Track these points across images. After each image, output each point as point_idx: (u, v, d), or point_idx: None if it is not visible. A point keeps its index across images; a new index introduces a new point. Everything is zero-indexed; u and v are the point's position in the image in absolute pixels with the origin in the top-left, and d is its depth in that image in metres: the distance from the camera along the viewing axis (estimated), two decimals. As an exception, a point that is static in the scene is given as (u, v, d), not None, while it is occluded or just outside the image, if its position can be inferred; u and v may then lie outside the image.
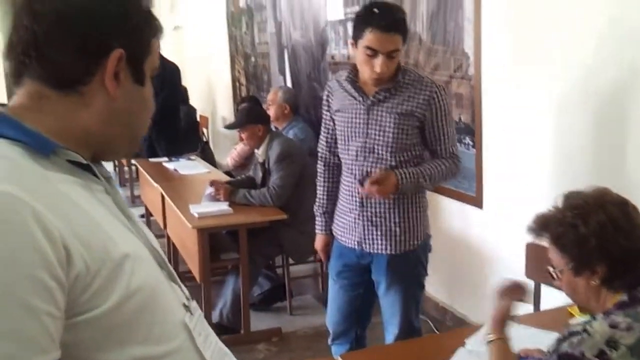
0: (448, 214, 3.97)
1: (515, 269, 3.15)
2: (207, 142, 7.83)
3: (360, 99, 2.71)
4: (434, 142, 2.72)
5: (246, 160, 5.26)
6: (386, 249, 2.75)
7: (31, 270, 0.88)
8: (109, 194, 1.11)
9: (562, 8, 2.97)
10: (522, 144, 3.34)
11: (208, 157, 7.04)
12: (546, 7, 3.07)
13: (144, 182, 5.79)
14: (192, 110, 7.62)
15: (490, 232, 3.66)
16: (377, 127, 2.68)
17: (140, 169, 5.81)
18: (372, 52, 2.56)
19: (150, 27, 1.12)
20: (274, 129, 4.69)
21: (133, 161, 7.43)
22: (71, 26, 1.03)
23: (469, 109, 3.66)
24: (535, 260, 2.81)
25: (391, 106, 2.66)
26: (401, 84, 2.66)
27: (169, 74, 7.22)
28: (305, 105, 5.76)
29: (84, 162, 1.06)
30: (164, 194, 4.55)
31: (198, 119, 7.75)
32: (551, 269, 1.81)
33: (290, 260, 4.54)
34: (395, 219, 2.73)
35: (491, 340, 1.84)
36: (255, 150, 4.38)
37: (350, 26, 4.98)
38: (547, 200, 3.08)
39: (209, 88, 8.86)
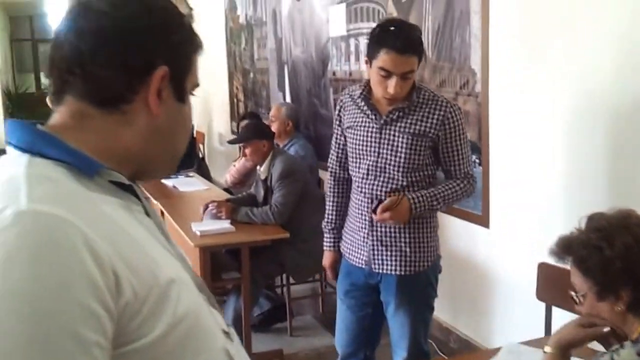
0: (453, 233, 3.91)
1: (525, 289, 3.10)
2: (203, 159, 7.76)
3: (373, 117, 2.65)
4: (449, 162, 2.66)
5: (244, 177, 5.19)
6: (396, 269, 2.68)
7: (81, 299, 0.83)
8: (148, 215, 1.07)
9: (572, 24, 2.94)
10: (530, 162, 3.29)
11: (204, 173, 6.97)
12: (556, 23, 3.03)
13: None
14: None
15: (497, 252, 3.60)
16: (389, 146, 2.62)
17: (139, 184, 5.72)
18: (386, 73, 2.50)
19: (192, 43, 1.09)
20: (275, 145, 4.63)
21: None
22: (116, 43, 1.00)
23: (476, 126, 3.61)
24: (547, 281, 2.74)
25: (404, 126, 2.60)
26: (415, 103, 2.60)
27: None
28: (305, 122, 5.71)
29: (127, 182, 1.03)
30: (163, 210, 4.47)
31: (194, 134, 7.69)
32: (573, 294, 1.75)
33: (291, 280, 4.46)
34: (405, 239, 2.66)
35: (550, 353, 1.76)
36: (258, 167, 4.32)
37: (353, 42, 5.00)
38: (556, 220, 3.09)
39: (205, 104, 8.81)
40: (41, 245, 0.83)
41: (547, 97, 3.13)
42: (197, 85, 1.13)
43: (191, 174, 6.00)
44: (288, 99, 6.13)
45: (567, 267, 1.77)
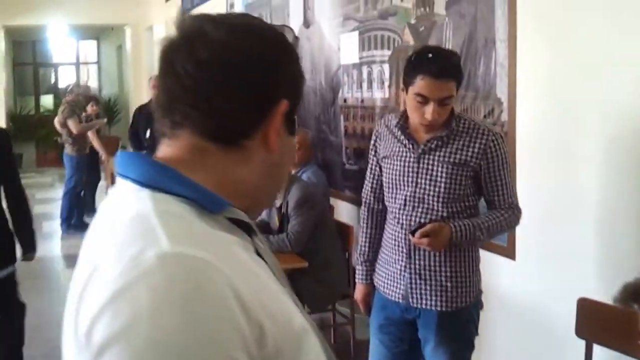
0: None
1: (560, 325, 3.01)
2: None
3: (411, 146, 2.57)
4: (491, 192, 2.57)
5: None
6: (436, 304, 2.58)
7: (229, 351, 0.77)
8: (259, 254, 0.99)
9: (605, 52, 2.89)
10: (558, 191, 3.22)
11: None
12: (589, 51, 2.98)
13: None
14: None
15: (524, 285, 3.50)
16: (428, 176, 2.54)
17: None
18: (423, 99, 2.43)
19: (302, 74, 1.04)
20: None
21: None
22: (241, 76, 0.94)
23: (501, 156, 3.54)
24: (588, 317, 2.66)
25: (444, 155, 2.52)
26: (455, 131, 2.53)
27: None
28: (313, 148, 5.64)
29: (247, 220, 0.97)
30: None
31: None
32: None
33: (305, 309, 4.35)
34: (446, 273, 2.57)
35: None
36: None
37: (365, 70, 4.95)
38: (588, 252, 3.01)
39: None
40: (189, 293, 0.78)
41: (577, 127, 3.07)
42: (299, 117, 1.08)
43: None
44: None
45: (610, 303, 1.71)
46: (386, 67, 4.67)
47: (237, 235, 0.94)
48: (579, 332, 2.67)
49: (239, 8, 7.26)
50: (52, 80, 18.03)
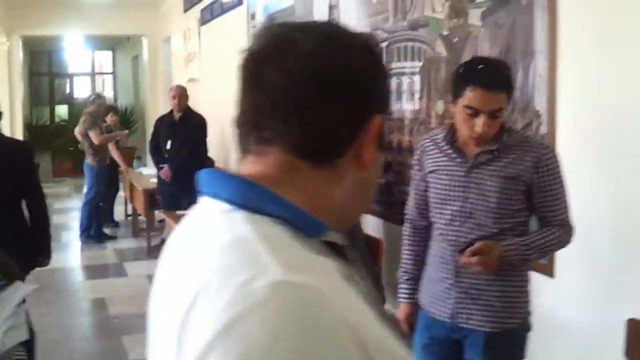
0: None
1: (608, 347, 2.91)
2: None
3: (460, 160, 2.49)
4: (543, 208, 2.48)
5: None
6: (484, 325, 2.48)
7: None
8: (349, 279, 0.91)
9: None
10: (601, 207, 3.12)
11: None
12: (635, 63, 2.88)
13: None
14: (211, 162, 7.46)
15: (565, 305, 3.40)
16: (478, 191, 2.45)
17: (171, 222, 5.57)
18: (473, 111, 2.36)
19: (390, 85, 0.98)
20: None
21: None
22: (337, 89, 0.87)
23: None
24: (639, 339, 2.57)
25: (495, 169, 2.43)
26: (506, 145, 2.44)
27: (197, 126, 7.05)
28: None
29: (343, 243, 0.90)
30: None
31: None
32: None
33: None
34: (495, 292, 2.48)
35: None
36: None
37: (395, 82, 4.86)
38: (633, 272, 2.91)
39: (222, 139, 8.68)
40: (305, 327, 0.72)
41: (622, 142, 2.98)
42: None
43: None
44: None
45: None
46: (416, 78, 4.60)
47: (333, 260, 0.86)
48: (629, 354, 2.58)
49: (260, 18, 7.21)
50: (67, 91, 18.08)
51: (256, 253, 0.77)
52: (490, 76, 2.36)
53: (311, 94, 0.86)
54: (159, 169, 7.27)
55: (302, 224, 0.85)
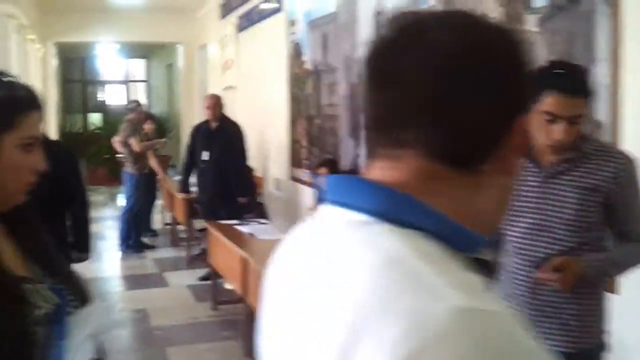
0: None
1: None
2: (261, 204, 7.54)
3: (535, 169, 2.39)
4: (622, 222, 2.36)
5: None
6: (560, 345, 2.36)
7: None
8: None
9: None
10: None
11: (264, 218, 6.77)
12: None
13: (215, 244, 5.54)
14: (250, 171, 7.40)
15: (632, 323, 3.27)
16: (554, 202, 2.34)
17: (213, 231, 5.53)
18: (552, 117, 2.26)
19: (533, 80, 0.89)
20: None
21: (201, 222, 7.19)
22: (488, 86, 0.80)
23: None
24: None
25: (573, 179, 2.33)
26: (584, 153, 2.34)
27: (235, 135, 6.99)
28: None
29: (490, 260, 0.81)
30: (248, 259, 4.26)
31: (253, 179, 7.51)
32: None
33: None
34: (571, 311, 2.36)
35: None
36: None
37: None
38: None
39: (261, 148, 8.64)
40: (506, 352, 0.67)
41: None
42: None
43: (263, 220, 5.81)
44: (363, 147, 5.92)
45: None
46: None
47: (479, 277, 0.79)
48: None
49: (301, 25, 7.16)
50: (99, 98, 18.20)
51: (415, 273, 0.70)
52: (571, 81, 2.26)
53: (459, 92, 0.78)
54: (186, 180, 7.35)
55: (454, 238, 0.77)
